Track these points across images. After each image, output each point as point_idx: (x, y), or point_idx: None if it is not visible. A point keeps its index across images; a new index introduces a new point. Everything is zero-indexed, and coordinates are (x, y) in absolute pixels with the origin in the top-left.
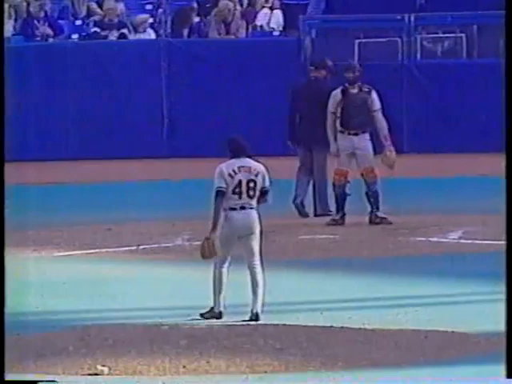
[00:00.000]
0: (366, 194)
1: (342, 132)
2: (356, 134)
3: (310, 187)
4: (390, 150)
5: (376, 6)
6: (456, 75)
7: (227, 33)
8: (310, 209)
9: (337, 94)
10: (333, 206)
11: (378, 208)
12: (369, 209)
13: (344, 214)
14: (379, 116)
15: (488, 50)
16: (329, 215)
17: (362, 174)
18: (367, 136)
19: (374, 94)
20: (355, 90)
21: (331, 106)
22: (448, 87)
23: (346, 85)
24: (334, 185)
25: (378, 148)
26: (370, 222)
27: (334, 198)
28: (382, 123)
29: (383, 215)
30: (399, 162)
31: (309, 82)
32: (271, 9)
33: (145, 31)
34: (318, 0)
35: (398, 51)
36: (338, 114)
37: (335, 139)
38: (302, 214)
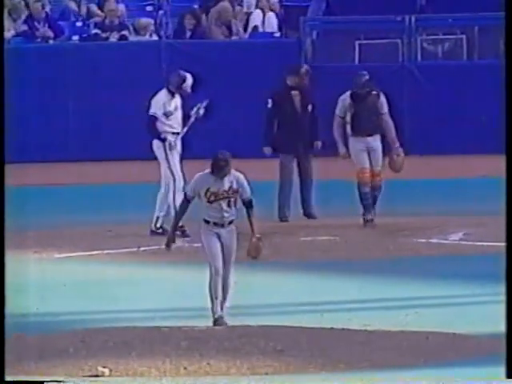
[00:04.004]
0: (365, 195)
1: (354, 136)
2: (370, 135)
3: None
4: (398, 153)
5: (376, 8)
6: (456, 76)
7: (227, 34)
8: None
9: (345, 98)
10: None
11: (370, 211)
12: (362, 211)
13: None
14: (387, 118)
15: (488, 52)
16: (286, 221)
17: (372, 176)
18: (379, 137)
19: (383, 97)
20: (364, 93)
21: (339, 110)
22: (448, 88)
23: (355, 89)
24: (359, 185)
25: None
26: (365, 224)
27: (359, 199)
28: (389, 126)
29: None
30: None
31: (286, 89)
32: (263, 10)
33: (146, 35)
34: (318, 1)
35: (399, 52)
36: (348, 119)
37: (345, 142)
38: (309, 216)
